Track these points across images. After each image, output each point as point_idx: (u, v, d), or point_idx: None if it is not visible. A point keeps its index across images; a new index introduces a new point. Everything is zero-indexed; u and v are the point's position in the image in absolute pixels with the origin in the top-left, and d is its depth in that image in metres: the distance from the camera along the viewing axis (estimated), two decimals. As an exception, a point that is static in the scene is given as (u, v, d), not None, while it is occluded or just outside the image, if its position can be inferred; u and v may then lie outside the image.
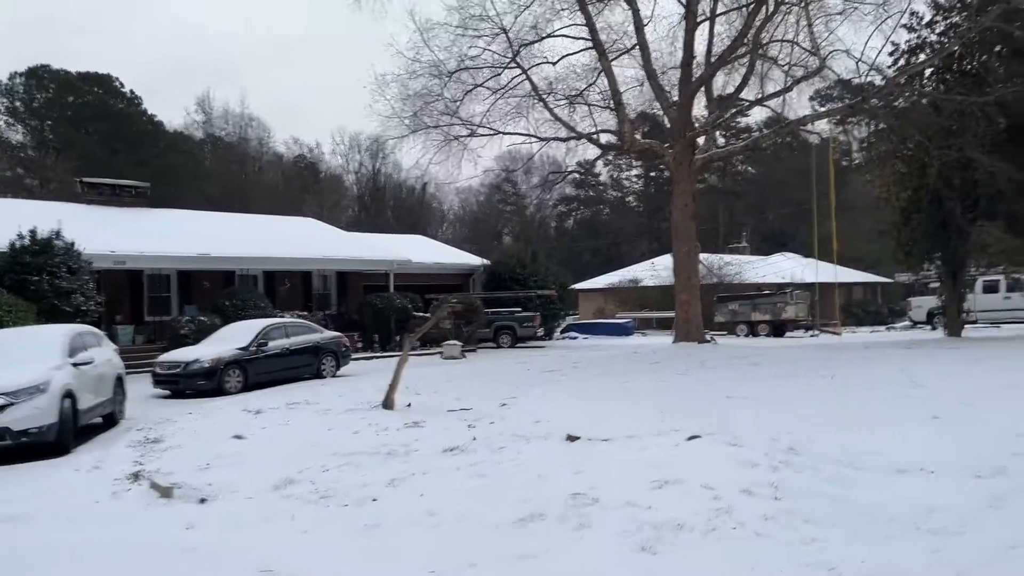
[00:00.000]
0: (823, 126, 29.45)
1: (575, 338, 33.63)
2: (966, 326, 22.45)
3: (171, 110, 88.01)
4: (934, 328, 27.21)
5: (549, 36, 22.72)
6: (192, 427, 10.97)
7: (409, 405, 11.70)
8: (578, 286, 44.62)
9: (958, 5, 20.51)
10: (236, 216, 30.31)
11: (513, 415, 10.56)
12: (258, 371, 16.66)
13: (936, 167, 19.06)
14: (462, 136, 23.31)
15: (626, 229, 65.17)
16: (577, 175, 52.31)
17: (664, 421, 9.00)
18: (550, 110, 23.13)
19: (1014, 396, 10.05)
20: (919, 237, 21.51)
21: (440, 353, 23.21)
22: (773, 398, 11.03)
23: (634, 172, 68.46)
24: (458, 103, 22.76)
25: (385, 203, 63.09)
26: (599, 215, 69.63)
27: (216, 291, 23.88)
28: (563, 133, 23.73)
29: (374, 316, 26.65)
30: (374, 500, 6.60)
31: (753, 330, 32.39)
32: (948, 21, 20.64)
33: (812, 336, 31.51)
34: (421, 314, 25.47)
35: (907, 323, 32.81)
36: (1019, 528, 5.11)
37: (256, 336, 17.08)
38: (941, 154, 18.83)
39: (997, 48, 19.92)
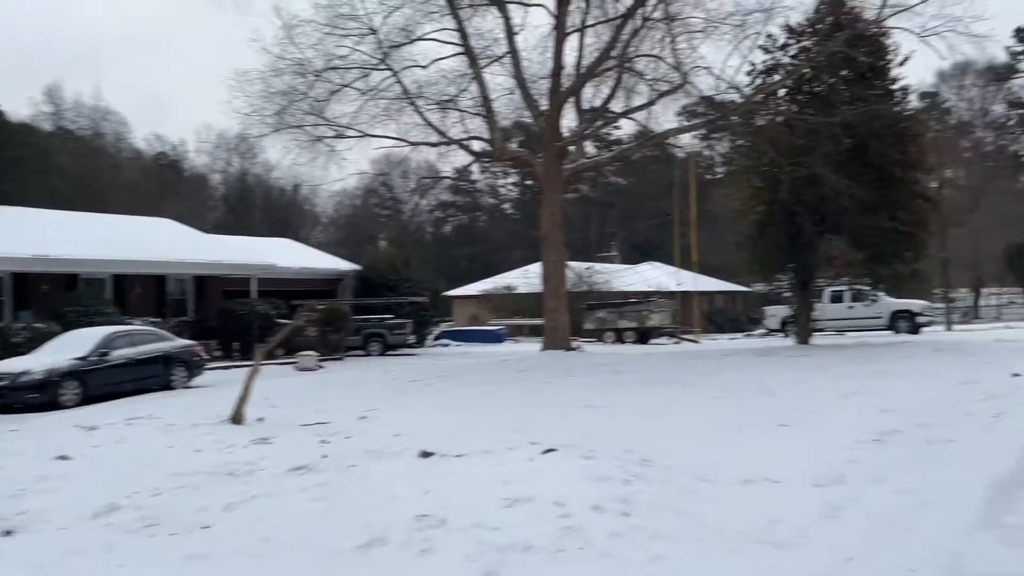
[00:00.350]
0: (688, 140, 30.54)
1: (447, 345, 33.37)
2: (814, 334, 23.69)
3: (16, 100, 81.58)
4: (786, 336, 28.60)
5: (420, 39, 22.45)
6: (12, 447, 9.91)
7: (261, 419, 11.04)
8: (453, 293, 44.34)
9: (809, 30, 21.71)
10: (83, 215, 28.17)
11: (372, 428, 10.17)
12: (99, 383, 15.47)
13: (788, 183, 20.04)
14: (328, 138, 22.64)
15: (502, 236, 65.45)
16: (453, 181, 52.02)
17: (523, 433, 8.85)
18: (421, 114, 22.81)
19: (855, 403, 10.57)
20: (772, 249, 22.51)
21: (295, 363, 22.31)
22: (632, 407, 11.15)
23: (510, 180, 68.89)
24: (324, 103, 22.08)
25: (254, 204, 60.69)
26: (476, 221, 69.65)
27: (57, 296, 22.08)
28: (434, 138, 23.48)
29: (235, 323, 25.42)
30: (206, 527, 6.07)
31: (620, 337, 33.10)
32: (800, 45, 21.83)
33: (675, 343, 32.53)
34: (286, 321, 24.46)
35: (762, 331, 34.44)
36: (855, 539, 5.23)
37: (97, 345, 15.93)
38: (793, 170, 19.81)
39: (843, 72, 21.20)
